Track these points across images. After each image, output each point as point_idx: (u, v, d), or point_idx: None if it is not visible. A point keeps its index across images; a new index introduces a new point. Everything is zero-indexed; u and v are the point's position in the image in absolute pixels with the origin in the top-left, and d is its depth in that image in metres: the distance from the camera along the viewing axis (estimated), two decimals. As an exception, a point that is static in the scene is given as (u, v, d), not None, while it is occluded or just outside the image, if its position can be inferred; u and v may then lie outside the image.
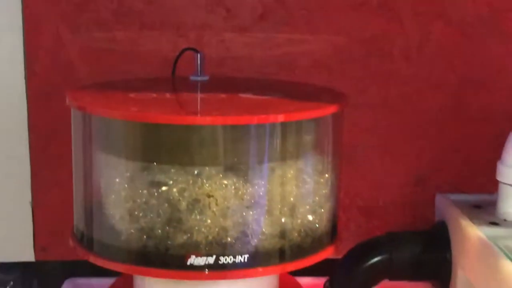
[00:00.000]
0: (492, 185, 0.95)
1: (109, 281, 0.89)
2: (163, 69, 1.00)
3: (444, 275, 0.96)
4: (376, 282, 0.97)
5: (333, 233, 0.83)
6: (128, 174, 0.76)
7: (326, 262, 0.93)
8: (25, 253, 1.04)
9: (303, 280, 0.91)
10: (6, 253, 1.04)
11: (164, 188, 0.74)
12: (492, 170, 0.93)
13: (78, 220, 0.82)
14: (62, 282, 1.02)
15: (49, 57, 1.00)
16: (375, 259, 0.96)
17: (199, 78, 0.88)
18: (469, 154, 1.05)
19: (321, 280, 0.99)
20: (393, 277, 0.98)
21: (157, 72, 1.01)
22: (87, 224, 0.80)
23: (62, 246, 1.03)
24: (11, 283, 1.04)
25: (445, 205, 0.99)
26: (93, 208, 0.80)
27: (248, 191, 0.75)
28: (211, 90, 0.85)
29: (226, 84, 0.91)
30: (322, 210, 0.80)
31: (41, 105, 1.01)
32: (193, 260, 0.74)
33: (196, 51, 0.88)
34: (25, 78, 1.01)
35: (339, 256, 0.98)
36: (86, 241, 0.80)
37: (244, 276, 0.76)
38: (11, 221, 1.03)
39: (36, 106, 1.01)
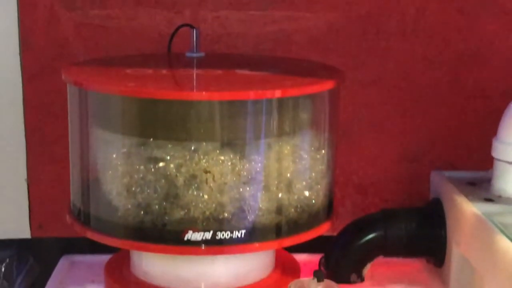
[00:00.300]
0: (487, 162, 0.95)
1: (105, 257, 0.90)
2: (158, 46, 1.00)
3: (439, 251, 0.96)
4: (371, 258, 0.98)
5: (329, 209, 0.84)
6: (125, 150, 0.76)
7: (322, 239, 0.93)
8: (21, 231, 1.04)
9: (299, 257, 0.92)
10: (2, 231, 1.04)
11: (161, 164, 0.74)
12: (487, 147, 0.94)
13: (75, 196, 0.82)
14: (58, 259, 1.02)
15: (44, 33, 1.00)
16: (370, 236, 0.96)
17: (195, 55, 0.88)
18: (464, 131, 1.05)
19: (316, 257, 0.99)
20: (388, 253, 0.98)
21: (152, 48, 1.00)
22: (84, 200, 0.80)
23: (58, 223, 1.04)
24: (7, 260, 1.04)
25: (440, 182, 0.99)
26: (90, 184, 0.80)
27: (245, 167, 0.75)
28: (207, 66, 0.85)
29: (222, 61, 0.91)
30: (319, 186, 0.81)
31: (36, 81, 1.01)
32: (190, 235, 0.74)
33: (192, 27, 0.87)
34: (20, 54, 1.00)
35: (335, 233, 0.99)
36: (83, 217, 0.81)
37: (241, 251, 0.76)
38: (7, 199, 1.03)
39: (31, 82, 1.01)
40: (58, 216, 1.03)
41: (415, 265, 1.01)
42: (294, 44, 1.02)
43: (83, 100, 0.79)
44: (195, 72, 0.84)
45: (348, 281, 0.96)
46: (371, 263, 0.98)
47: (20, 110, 1.02)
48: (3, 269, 1.03)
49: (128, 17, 1.00)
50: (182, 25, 0.90)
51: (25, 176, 1.03)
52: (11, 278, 1.04)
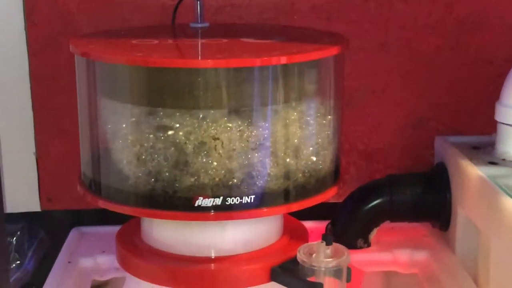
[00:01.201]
0: (490, 127, 0.96)
1: (115, 228, 0.90)
2: (162, 18, 1.01)
3: (444, 215, 0.98)
4: (377, 223, 0.99)
5: (336, 174, 0.84)
6: (134, 119, 0.77)
7: (328, 206, 0.94)
8: (31, 204, 1.06)
9: (306, 224, 0.92)
10: (13, 204, 1.05)
11: (170, 132, 0.75)
12: (490, 111, 0.95)
13: (85, 167, 0.83)
14: (68, 231, 1.04)
15: (48, 7, 1.00)
16: (376, 201, 0.98)
17: (199, 25, 0.88)
18: (467, 96, 1.06)
19: (323, 224, 1.00)
20: (394, 218, 0.99)
21: (156, 21, 1.01)
22: (94, 171, 0.81)
23: (67, 195, 1.05)
24: (18, 233, 1.05)
25: (444, 147, 1.00)
26: (100, 154, 0.80)
27: (252, 133, 0.76)
28: (212, 36, 0.86)
29: (226, 30, 0.92)
30: (325, 151, 0.81)
31: (42, 56, 1.01)
32: (201, 201, 0.75)
33: (196, -2, 0.88)
34: (25, 29, 1.01)
35: (340, 200, 1.00)
36: (94, 187, 0.81)
37: (250, 216, 0.77)
38: (16, 173, 1.04)
39: (36, 56, 1.02)
40: (67, 189, 1.04)
41: (420, 230, 1.03)
42: (297, 13, 1.02)
43: (91, 72, 0.79)
44: (200, 41, 0.84)
45: (355, 247, 0.98)
46: (377, 228, 0.99)
47: (27, 84, 1.02)
48: (14, 242, 1.04)
49: (131, -11, 1.01)
50: (186, -4, 0.90)
51: (34, 150, 1.04)
52: (23, 251, 1.05)
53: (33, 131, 1.04)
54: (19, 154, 1.04)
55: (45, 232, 1.09)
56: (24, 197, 1.05)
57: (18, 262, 1.04)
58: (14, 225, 1.06)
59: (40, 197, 1.06)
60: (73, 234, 1.03)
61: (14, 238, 1.05)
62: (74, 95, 0.85)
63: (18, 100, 1.03)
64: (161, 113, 0.75)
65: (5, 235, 1.00)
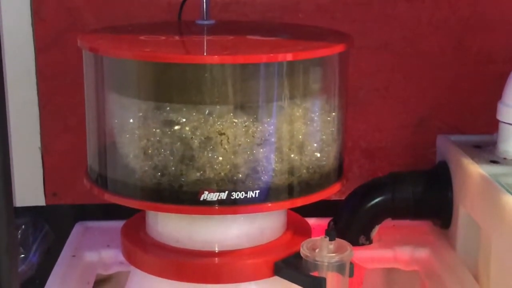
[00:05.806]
0: (492, 126, 0.97)
1: (119, 223, 0.91)
2: (168, 15, 1.01)
3: (446, 212, 0.98)
4: (379, 221, 1.00)
5: (339, 170, 0.85)
6: (141, 114, 0.77)
7: (330, 204, 0.95)
8: (36, 198, 1.06)
9: (309, 221, 0.93)
10: (18, 198, 1.06)
11: (176, 127, 0.76)
12: (492, 111, 0.95)
13: (92, 161, 0.84)
14: (73, 226, 1.04)
15: (55, 4, 1.01)
16: (378, 199, 0.98)
17: (205, 22, 0.89)
18: (469, 96, 1.07)
19: (325, 221, 1.01)
20: (396, 216, 1.00)
21: (162, 17, 1.02)
22: (101, 164, 0.82)
23: (72, 190, 1.06)
24: (23, 227, 1.06)
25: (446, 146, 1.01)
26: (107, 149, 0.81)
27: (258, 129, 0.76)
28: (218, 33, 0.86)
29: (232, 27, 0.92)
30: (329, 147, 0.82)
31: (48, 51, 1.02)
32: (206, 195, 0.76)
33: (203, -5, 0.89)
34: (32, 25, 1.01)
35: (343, 198, 1.00)
36: (100, 181, 0.82)
37: (255, 211, 0.78)
38: (21, 167, 1.05)
39: (43, 52, 1.02)
40: (72, 184, 1.05)
41: (422, 227, 1.04)
42: (302, 12, 1.03)
43: (99, 67, 0.80)
44: (207, 38, 0.85)
45: (357, 243, 0.98)
46: (379, 225, 1.00)
47: (33, 80, 1.03)
48: (19, 236, 1.05)
49: (138, -14, 1.02)
50: (192, -7, 0.91)
51: (39, 145, 1.05)
52: (27, 245, 1.06)
53: (38, 126, 1.04)
54: (24, 149, 1.05)
55: (50, 226, 1.10)
56: (29, 192, 1.06)
57: (23, 255, 1.05)
58: (19, 219, 1.06)
59: (45, 191, 1.06)
60: (78, 229, 1.03)
61: (19, 232, 1.05)
62: (80, 90, 0.86)
63: (24, 96, 1.03)
64: (168, 108, 0.76)
65: (15, 229, 1.01)
